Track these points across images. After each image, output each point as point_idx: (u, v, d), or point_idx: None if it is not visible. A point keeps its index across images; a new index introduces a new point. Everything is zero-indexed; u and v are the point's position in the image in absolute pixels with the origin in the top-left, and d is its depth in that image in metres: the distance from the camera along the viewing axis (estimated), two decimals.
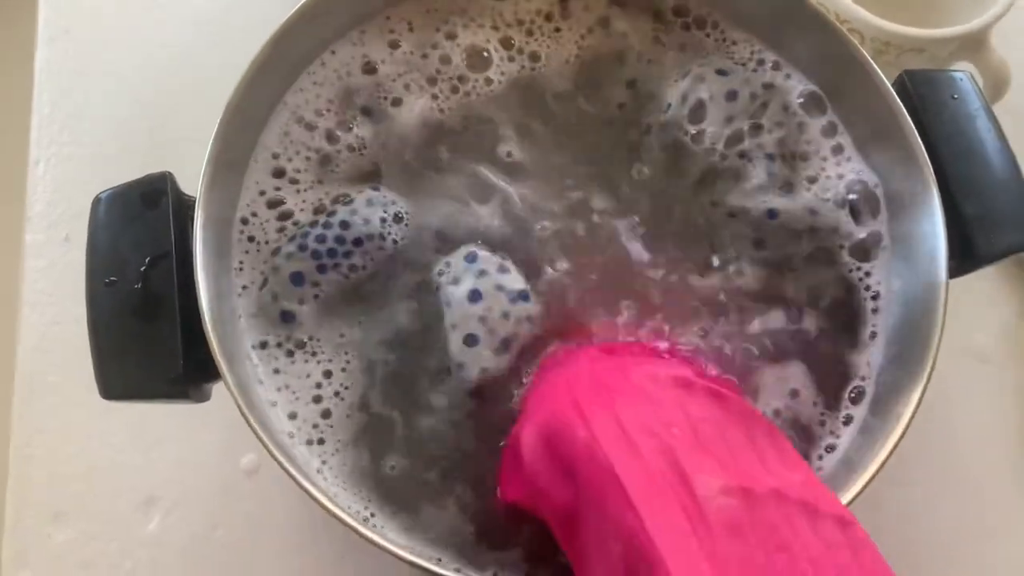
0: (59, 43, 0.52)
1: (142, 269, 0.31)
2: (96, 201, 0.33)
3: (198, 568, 0.41)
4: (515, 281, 0.34)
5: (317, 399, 0.33)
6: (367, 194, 0.35)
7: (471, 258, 0.34)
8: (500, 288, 0.33)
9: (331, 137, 0.36)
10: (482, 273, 0.33)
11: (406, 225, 0.35)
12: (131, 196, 0.32)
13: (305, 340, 0.33)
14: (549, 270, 0.35)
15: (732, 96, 0.38)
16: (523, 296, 0.34)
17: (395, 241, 0.35)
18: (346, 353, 0.33)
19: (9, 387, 0.44)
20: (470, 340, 0.33)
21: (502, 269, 0.34)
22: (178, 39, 0.52)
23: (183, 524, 0.42)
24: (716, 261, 0.36)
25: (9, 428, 0.43)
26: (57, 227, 0.48)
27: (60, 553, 0.41)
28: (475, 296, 0.33)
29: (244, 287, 0.34)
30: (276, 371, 0.33)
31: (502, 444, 0.32)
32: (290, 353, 0.33)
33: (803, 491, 0.25)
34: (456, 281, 0.34)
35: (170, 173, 0.33)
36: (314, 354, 0.33)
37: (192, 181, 0.33)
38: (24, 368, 0.44)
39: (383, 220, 0.35)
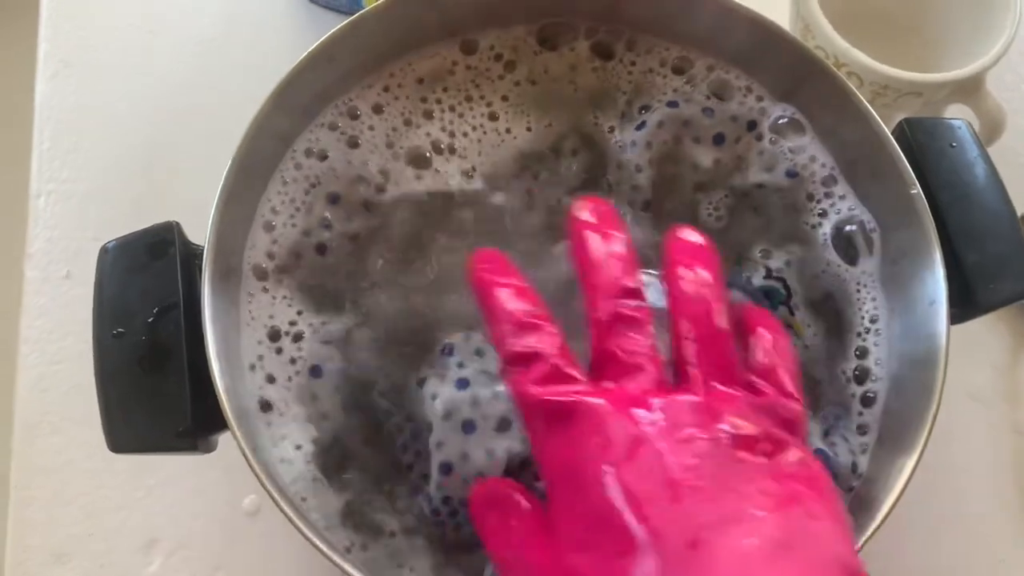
0: (59, 79, 0.52)
1: (149, 320, 0.31)
2: (103, 251, 0.32)
3: None
4: None
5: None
6: None
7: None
8: None
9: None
10: None
11: None
12: (138, 246, 0.32)
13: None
14: None
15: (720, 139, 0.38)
16: None
17: None
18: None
19: (8, 427, 0.44)
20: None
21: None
22: (178, 73, 0.52)
23: (185, 566, 0.42)
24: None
25: (9, 469, 0.43)
26: (58, 264, 0.47)
27: None
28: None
29: (259, 342, 0.34)
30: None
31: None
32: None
33: None
34: None
35: (177, 223, 0.33)
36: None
37: (199, 222, 0.32)
38: (23, 408, 0.44)
39: None
